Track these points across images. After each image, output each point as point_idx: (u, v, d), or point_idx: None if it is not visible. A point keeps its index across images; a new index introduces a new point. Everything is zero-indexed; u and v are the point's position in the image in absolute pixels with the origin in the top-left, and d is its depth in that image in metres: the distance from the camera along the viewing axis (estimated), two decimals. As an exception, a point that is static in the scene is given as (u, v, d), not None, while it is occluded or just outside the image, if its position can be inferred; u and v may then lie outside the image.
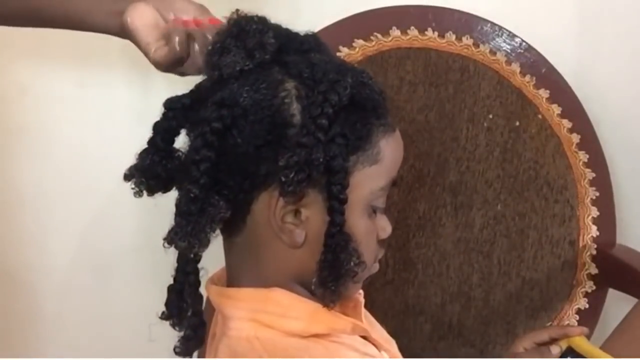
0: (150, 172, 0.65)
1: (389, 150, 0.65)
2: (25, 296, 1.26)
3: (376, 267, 0.70)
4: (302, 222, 0.63)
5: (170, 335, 0.68)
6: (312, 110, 0.60)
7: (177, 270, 0.66)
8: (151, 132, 0.66)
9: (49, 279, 1.25)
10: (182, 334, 0.67)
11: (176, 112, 0.66)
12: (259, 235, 0.64)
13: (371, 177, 0.64)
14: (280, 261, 0.65)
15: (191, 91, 0.67)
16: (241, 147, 0.61)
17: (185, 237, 0.60)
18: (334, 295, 0.63)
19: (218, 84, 0.64)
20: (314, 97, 0.60)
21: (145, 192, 0.66)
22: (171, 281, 0.67)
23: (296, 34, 0.66)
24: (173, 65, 0.72)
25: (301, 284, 0.66)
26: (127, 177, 0.66)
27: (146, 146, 0.66)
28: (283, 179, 0.59)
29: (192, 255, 0.63)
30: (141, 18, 0.71)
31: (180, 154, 0.66)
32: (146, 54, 0.72)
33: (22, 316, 1.26)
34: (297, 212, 0.62)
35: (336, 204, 0.60)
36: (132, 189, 0.66)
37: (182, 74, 0.76)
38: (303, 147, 0.59)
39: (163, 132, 0.66)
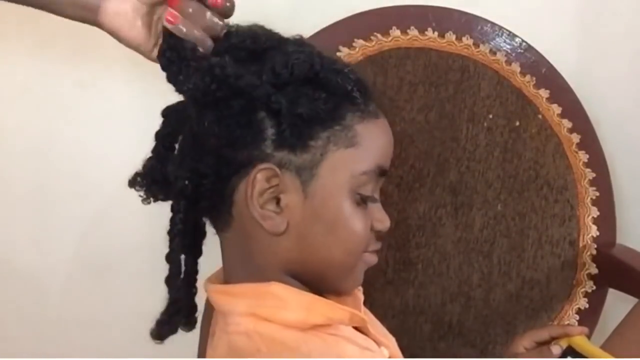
0: (150, 177, 0.68)
1: (369, 135, 0.65)
2: (25, 296, 1.26)
3: (374, 259, 0.70)
4: (282, 210, 0.64)
5: (170, 337, 0.68)
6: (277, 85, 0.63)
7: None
8: (153, 140, 0.69)
9: (49, 279, 1.25)
10: (180, 332, 0.69)
11: (172, 118, 0.68)
12: (245, 226, 0.65)
13: (349, 160, 0.64)
14: (268, 252, 0.65)
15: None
16: (216, 134, 0.63)
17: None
18: None
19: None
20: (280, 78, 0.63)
21: (152, 199, 0.68)
22: None
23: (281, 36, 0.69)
24: None
25: (292, 276, 0.66)
26: (131, 183, 0.68)
27: (150, 154, 0.69)
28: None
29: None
30: (118, 16, 0.66)
31: None
32: (140, 53, 0.70)
33: (22, 316, 1.26)
34: (278, 201, 0.64)
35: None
36: (140, 196, 0.68)
37: None
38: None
39: (162, 138, 0.69)
